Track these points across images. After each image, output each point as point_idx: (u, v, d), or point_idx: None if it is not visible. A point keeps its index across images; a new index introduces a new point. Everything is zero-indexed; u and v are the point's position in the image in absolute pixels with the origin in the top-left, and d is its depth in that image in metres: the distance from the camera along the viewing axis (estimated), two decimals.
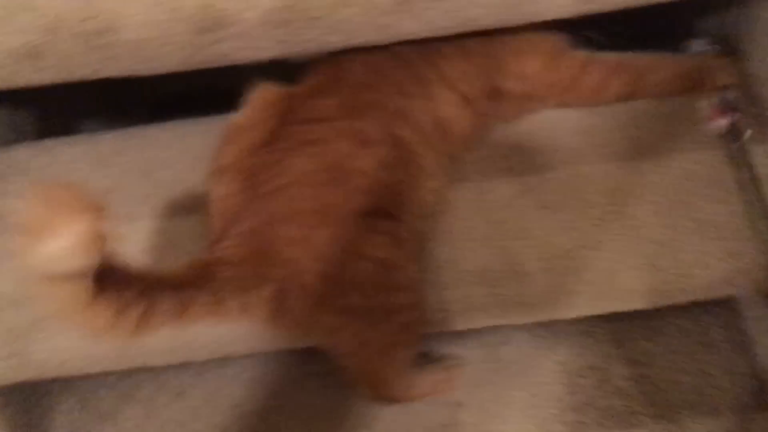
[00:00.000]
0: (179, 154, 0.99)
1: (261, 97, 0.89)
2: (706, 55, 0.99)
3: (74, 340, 0.90)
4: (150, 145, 1.01)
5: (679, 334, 1.11)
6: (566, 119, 0.98)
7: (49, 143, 1.04)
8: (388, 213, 0.83)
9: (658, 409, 1.06)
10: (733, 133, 0.93)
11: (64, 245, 0.58)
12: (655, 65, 0.98)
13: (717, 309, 1.12)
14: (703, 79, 0.96)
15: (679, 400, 1.07)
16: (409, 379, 0.96)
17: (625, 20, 0.89)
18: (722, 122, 0.93)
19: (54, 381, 1.08)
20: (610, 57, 0.97)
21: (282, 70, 0.90)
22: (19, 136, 1.09)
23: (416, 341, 0.91)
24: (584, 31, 0.96)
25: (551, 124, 0.98)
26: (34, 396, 1.09)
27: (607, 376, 1.09)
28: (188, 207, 0.95)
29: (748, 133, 0.93)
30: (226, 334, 0.90)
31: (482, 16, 0.82)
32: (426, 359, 1.05)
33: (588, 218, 0.91)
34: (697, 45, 1.00)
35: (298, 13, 0.78)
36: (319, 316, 0.81)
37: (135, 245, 0.93)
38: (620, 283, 0.90)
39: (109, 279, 0.65)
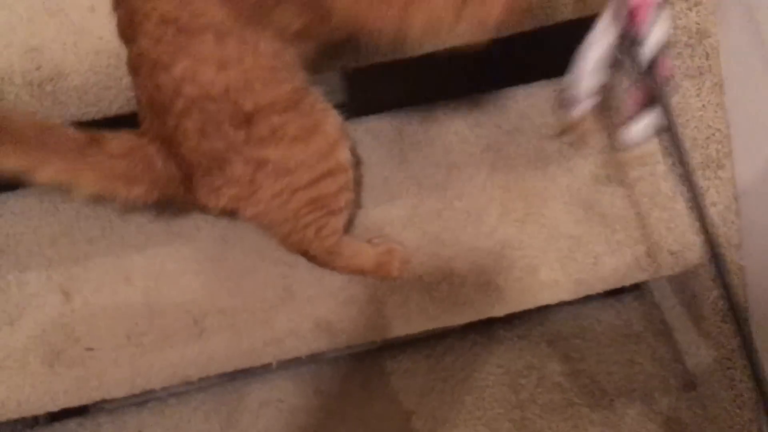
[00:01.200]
0: None
1: None
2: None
3: (31, 377, 0.94)
4: None
5: (605, 329, 1.21)
6: (474, 135, 1.06)
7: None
8: None
9: (595, 399, 1.14)
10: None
11: None
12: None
13: (636, 303, 1.22)
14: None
15: (612, 389, 1.15)
16: (345, 246, 0.95)
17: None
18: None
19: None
20: None
21: None
22: None
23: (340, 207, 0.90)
24: None
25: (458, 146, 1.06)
26: None
27: (544, 374, 1.16)
28: (139, 243, 1.01)
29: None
30: (182, 358, 0.95)
31: None
32: None
33: (509, 221, 1.01)
34: None
35: None
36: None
37: (92, 283, 0.98)
38: (543, 276, 0.99)
39: None
